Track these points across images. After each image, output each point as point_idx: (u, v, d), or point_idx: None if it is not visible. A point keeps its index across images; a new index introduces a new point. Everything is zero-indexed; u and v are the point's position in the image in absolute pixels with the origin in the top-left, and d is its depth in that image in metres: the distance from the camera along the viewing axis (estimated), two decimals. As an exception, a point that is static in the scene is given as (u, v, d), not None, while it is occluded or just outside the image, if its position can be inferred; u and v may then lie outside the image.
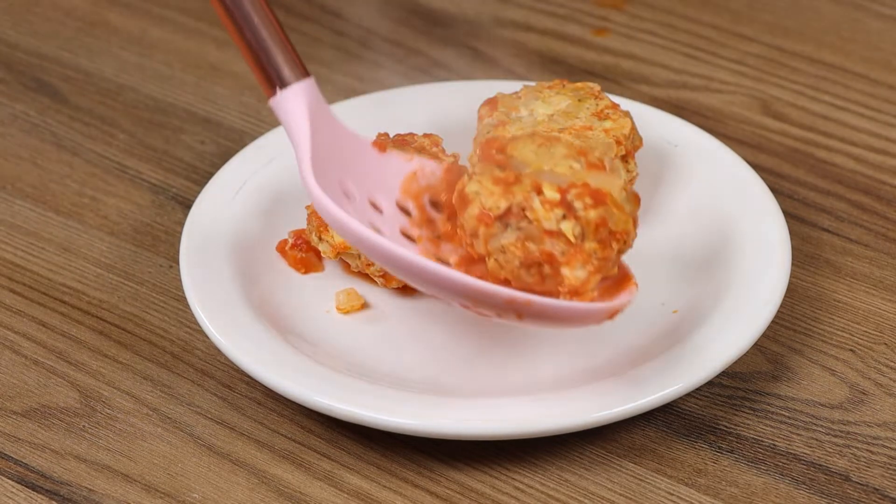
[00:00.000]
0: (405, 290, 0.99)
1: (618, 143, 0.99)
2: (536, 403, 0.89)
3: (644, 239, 1.00)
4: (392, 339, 0.96)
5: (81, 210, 1.07)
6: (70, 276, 1.02)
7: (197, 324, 0.98)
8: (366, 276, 0.99)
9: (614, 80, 1.17)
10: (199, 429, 0.93)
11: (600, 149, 0.97)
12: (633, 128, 1.00)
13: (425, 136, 1.00)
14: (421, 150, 0.99)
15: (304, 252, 1.00)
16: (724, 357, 0.91)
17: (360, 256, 0.97)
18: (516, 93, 1.02)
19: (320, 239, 0.98)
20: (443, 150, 1.00)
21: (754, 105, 1.15)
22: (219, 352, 0.97)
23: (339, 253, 0.97)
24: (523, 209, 0.88)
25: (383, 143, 0.95)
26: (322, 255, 0.98)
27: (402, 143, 0.99)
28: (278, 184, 1.04)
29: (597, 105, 1.00)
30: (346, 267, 1.00)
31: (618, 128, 0.99)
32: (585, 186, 0.86)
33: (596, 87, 1.02)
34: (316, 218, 0.98)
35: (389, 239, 0.90)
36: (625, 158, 1.00)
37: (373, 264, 0.97)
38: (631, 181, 1.01)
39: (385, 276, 0.97)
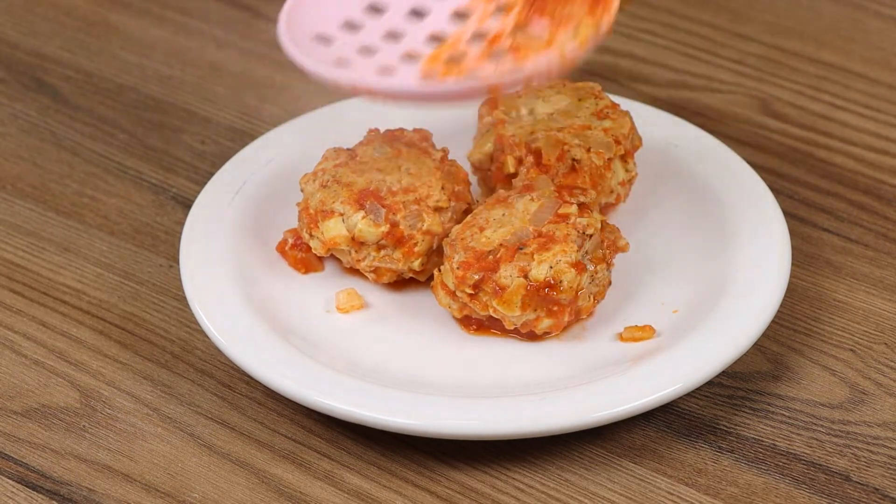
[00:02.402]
0: (397, 285, 0.98)
1: (616, 142, 0.99)
2: (537, 403, 0.89)
3: (644, 239, 1.00)
4: (392, 338, 0.96)
5: (81, 210, 1.07)
6: (70, 276, 1.02)
7: (197, 323, 0.98)
8: (360, 273, 0.99)
9: (614, 80, 1.17)
10: (199, 428, 0.92)
11: (599, 147, 0.96)
12: (633, 127, 1.00)
13: (415, 130, 1.00)
14: (411, 145, 0.99)
15: (305, 252, 0.99)
16: (724, 357, 0.91)
17: (350, 252, 0.97)
18: (517, 91, 1.01)
19: (311, 235, 0.97)
20: (432, 145, 1.00)
21: (754, 105, 1.14)
22: (219, 351, 0.96)
23: (329, 249, 0.97)
24: None
25: None
26: (313, 250, 0.98)
27: (392, 137, 0.99)
28: (278, 184, 1.03)
29: (596, 104, 1.01)
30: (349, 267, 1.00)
31: (617, 127, 0.99)
32: None
33: (597, 86, 1.02)
34: (306, 215, 0.98)
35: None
36: (624, 158, 1.00)
37: (363, 260, 0.97)
38: (630, 181, 1.01)
39: (376, 271, 0.97)
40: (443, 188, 0.97)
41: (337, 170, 0.98)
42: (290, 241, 0.99)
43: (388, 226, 0.95)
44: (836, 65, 1.18)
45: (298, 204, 0.99)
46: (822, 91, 1.16)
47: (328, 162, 0.99)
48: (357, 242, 0.96)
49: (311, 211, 0.97)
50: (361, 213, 0.96)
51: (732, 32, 1.21)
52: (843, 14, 1.22)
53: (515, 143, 0.99)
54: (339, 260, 0.99)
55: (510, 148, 0.99)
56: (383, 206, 0.95)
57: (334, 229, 0.96)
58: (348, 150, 1.00)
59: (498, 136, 0.99)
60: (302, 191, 0.99)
